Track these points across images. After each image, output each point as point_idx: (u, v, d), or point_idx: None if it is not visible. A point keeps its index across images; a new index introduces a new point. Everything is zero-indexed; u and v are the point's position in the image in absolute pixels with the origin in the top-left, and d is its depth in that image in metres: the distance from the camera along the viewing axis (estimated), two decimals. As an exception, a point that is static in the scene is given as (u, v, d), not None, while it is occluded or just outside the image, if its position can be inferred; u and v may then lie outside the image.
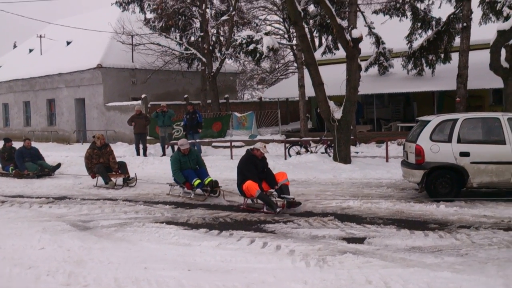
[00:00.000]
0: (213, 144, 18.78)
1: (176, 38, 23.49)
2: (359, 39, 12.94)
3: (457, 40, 16.16)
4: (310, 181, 11.64)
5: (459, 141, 8.57)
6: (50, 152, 18.35)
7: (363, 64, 18.11)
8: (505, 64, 12.61)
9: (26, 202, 9.81)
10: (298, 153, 15.49)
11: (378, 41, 18.09)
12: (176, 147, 13.42)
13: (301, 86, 18.48)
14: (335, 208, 8.43)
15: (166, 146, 17.32)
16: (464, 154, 8.46)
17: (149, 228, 7.35)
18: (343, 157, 13.38)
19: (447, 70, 16.88)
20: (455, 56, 16.19)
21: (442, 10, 16.64)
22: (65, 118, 26.44)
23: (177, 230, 7.20)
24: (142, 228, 7.35)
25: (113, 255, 5.98)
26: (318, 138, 15.82)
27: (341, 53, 15.67)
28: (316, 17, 17.72)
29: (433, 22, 16.99)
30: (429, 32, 17.02)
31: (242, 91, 46.08)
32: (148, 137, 18.18)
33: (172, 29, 22.85)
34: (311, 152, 15.42)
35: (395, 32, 17.80)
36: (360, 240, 6.40)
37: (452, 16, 16.13)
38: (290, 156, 15.42)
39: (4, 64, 33.18)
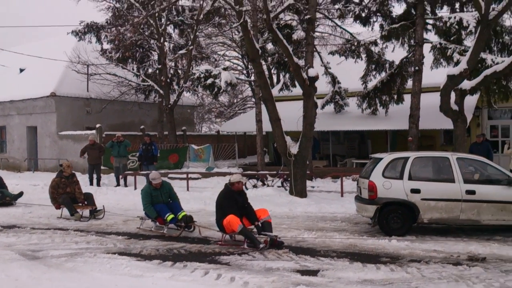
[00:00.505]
0: (170, 175, 18.54)
1: (133, 69, 23.43)
2: (315, 78, 13.32)
3: (410, 83, 16.83)
4: (266, 215, 11.64)
5: (410, 178, 8.85)
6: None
7: (320, 102, 18.62)
8: (454, 107, 13.21)
9: (-30, 231, 9.32)
10: (254, 186, 15.53)
11: (334, 80, 18.68)
12: (129, 178, 13.22)
13: (259, 121, 18.71)
14: (290, 240, 8.46)
15: (120, 176, 16.99)
16: (415, 191, 8.73)
17: (101, 258, 7.13)
18: (299, 191, 13.52)
19: (400, 110, 17.52)
20: (407, 98, 16.85)
21: (396, 54, 17.39)
22: (16, 145, 25.51)
23: (130, 261, 7.02)
24: (94, 259, 7.12)
25: (63, 286, 5.78)
26: (275, 172, 15.94)
27: (298, 90, 16.04)
28: (274, 55, 18.13)
29: (387, 65, 17.69)
30: (383, 74, 17.69)
31: (200, 124, 46.10)
32: (102, 167, 17.76)
33: (130, 60, 22.84)
34: (268, 185, 15.50)
35: (351, 72, 18.44)
36: (314, 273, 6.45)
37: (405, 59, 16.88)
38: (247, 189, 15.38)
39: (-48, 88, 31.83)
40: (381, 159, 9.26)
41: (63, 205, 11.02)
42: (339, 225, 10.10)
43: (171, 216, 9.25)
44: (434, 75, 15.92)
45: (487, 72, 12.69)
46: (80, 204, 11.18)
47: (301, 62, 14.78)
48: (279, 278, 6.14)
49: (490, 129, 20.07)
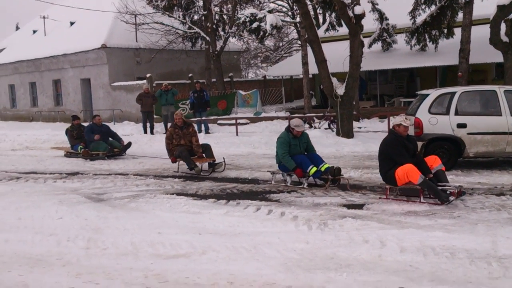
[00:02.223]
0: (219, 121, 19.12)
1: (179, 17, 23.60)
2: (362, 16, 13.12)
3: (460, 15, 16.24)
4: (313, 155, 11.99)
5: (456, 113, 8.88)
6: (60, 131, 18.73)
7: (367, 41, 18.31)
8: (504, 39, 12.78)
9: (40, 178, 10.20)
10: (302, 129, 15.77)
11: (381, 17, 18.20)
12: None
13: (305, 63, 18.69)
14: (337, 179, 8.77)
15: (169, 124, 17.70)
16: (461, 126, 8.77)
17: (161, 199, 7.74)
18: (346, 132, 13.70)
19: (450, 45, 17.00)
20: (457, 31, 16.28)
21: (446, -16, 16.69)
22: (71, 98, 26.79)
23: (187, 200, 7.59)
24: (154, 199, 7.74)
25: (128, 223, 6.38)
26: (322, 114, 16.11)
27: (344, 30, 15.84)
28: (321, -7, 17.78)
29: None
30: (433, 8, 17.04)
31: (247, 70, 46.20)
32: (155, 116, 18.51)
33: (175, 8, 22.95)
34: (315, 127, 15.74)
35: (399, 7, 17.90)
36: (360, 206, 6.79)
37: (455, -10, 16.18)
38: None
39: (8, 45, 33.45)
40: (427, 95, 9.27)
41: (179, 159, 10.09)
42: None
43: (314, 168, 8.17)
44: (486, 6, 15.22)
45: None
46: (197, 157, 10.20)
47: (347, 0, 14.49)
48: (326, 212, 6.52)
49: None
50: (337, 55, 15.66)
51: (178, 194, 8.10)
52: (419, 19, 17.32)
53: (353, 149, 12.41)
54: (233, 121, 17.32)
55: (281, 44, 38.42)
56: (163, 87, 17.92)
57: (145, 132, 17.65)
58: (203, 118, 17.22)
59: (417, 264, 4.50)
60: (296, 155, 8.41)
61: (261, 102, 21.59)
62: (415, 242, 5.04)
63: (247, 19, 15.46)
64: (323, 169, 8.16)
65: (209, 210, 6.90)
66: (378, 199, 7.13)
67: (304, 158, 8.36)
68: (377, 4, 17.68)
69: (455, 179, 8.16)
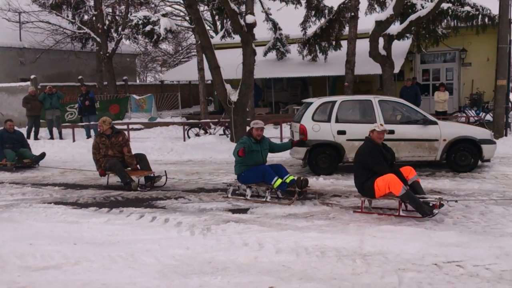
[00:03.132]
0: (111, 126, 18.40)
1: (68, 16, 22.49)
2: (253, 25, 13.43)
3: (347, 29, 17.27)
4: (206, 161, 12.05)
5: (337, 121, 9.44)
6: None
7: (262, 49, 18.81)
8: (383, 52, 13.80)
9: None
10: (197, 134, 15.77)
11: (275, 27, 18.79)
12: (66, 131, 11.81)
13: (201, 69, 18.70)
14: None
15: (58, 129, 16.75)
16: (341, 132, 9.33)
17: (36, 208, 7.29)
18: (239, 138, 13.85)
19: (338, 57, 17.98)
20: (344, 44, 17.32)
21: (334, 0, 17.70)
22: None
23: (66, 209, 7.22)
24: (29, 209, 7.27)
25: (-2, 235, 5.92)
26: (217, 120, 16.22)
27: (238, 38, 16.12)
28: (215, 0, 17.95)
29: (326, 11, 17.97)
30: (322, 20, 17.99)
31: (145, 73, 45.15)
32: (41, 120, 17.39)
33: (64, 6, 21.88)
34: (210, 133, 15.79)
35: (291, 19, 18.58)
36: (244, 211, 6.93)
37: (342, 5, 17.14)
38: (189, 137, 15.67)
39: None
40: (311, 103, 9.74)
41: (111, 172, 8.82)
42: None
43: (279, 180, 7.33)
44: (370, 21, 16.36)
45: (412, 17, 13.26)
46: (130, 169, 8.99)
47: (241, 8, 14.79)
48: (211, 217, 6.57)
49: (422, 73, 21.03)
50: (233, 62, 15.87)
51: (57, 203, 7.67)
52: (310, 31, 18.15)
53: (245, 154, 12.62)
54: (125, 126, 16.80)
55: (180, 49, 38.12)
56: (47, 90, 16.91)
57: (28, 137, 16.49)
58: (92, 122, 16.50)
59: (289, 264, 4.69)
60: (258, 166, 7.55)
61: (156, 107, 21.18)
62: (290, 243, 5.24)
63: (140, 22, 15.11)
64: (288, 180, 7.37)
65: (89, 219, 6.62)
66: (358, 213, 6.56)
67: (267, 168, 7.48)
68: (271, 14, 18.24)
69: (336, 182, 8.65)
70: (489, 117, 15.48)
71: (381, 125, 6.89)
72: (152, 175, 8.97)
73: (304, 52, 18.86)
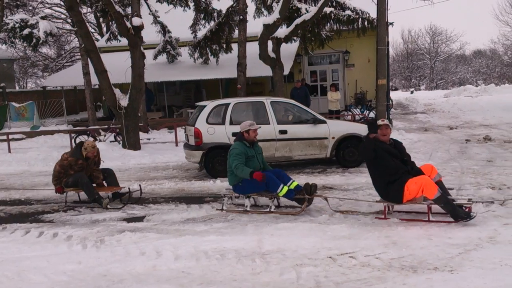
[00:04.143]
0: (-13, 138, 16.86)
1: None
2: (140, 27, 13.08)
3: (237, 32, 17.49)
4: (97, 170, 11.45)
5: (231, 123, 9.47)
6: None
7: (152, 52, 18.40)
8: (272, 55, 14.19)
9: None
10: (85, 142, 14.95)
11: (164, 29, 18.50)
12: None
13: (86, 73, 17.84)
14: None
15: None
16: (236, 134, 9.34)
17: None
18: (133, 144, 13.46)
19: (230, 60, 18.18)
20: (235, 47, 17.51)
21: (223, 3, 17.82)
22: None
23: None
24: None
25: None
26: (107, 127, 15.54)
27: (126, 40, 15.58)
28: (98, 2, 17.18)
29: (215, 14, 18.06)
30: (212, 23, 18.05)
31: (25, 79, 41.95)
32: None
33: None
34: (100, 141, 15.07)
35: (181, 21, 18.45)
36: (140, 219, 6.69)
37: (230, 8, 17.34)
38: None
39: None
40: (205, 106, 9.68)
41: (73, 188, 7.66)
42: (171, 173, 10.43)
43: (286, 188, 6.55)
44: (259, 24, 16.73)
45: (298, 21, 13.81)
46: (95, 185, 7.83)
47: (128, 10, 14.30)
48: (104, 228, 6.24)
49: (310, 75, 22.04)
50: (121, 65, 15.31)
51: None
52: (200, 34, 18.12)
53: (139, 161, 12.25)
54: (5, 137, 15.46)
55: (62, 53, 35.96)
56: None
57: None
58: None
59: (189, 270, 4.59)
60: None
61: (38, 115, 19.77)
62: (189, 248, 5.14)
63: (17, 25, 14.00)
64: (292, 187, 6.64)
65: (-35, 239, 5.95)
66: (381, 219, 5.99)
67: (270, 175, 6.61)
68: (159, 17, 17.91)
69: (232, 184, 8.66)
70: (372, 114, 16.59)
71: (383, 120, 6.27)
72: (120, 191, 7.84)
73: (196, 55, 18.83)
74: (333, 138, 9.71)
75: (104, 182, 7.95)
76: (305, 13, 14.46)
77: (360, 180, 8.54)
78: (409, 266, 4.42)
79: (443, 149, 11.40)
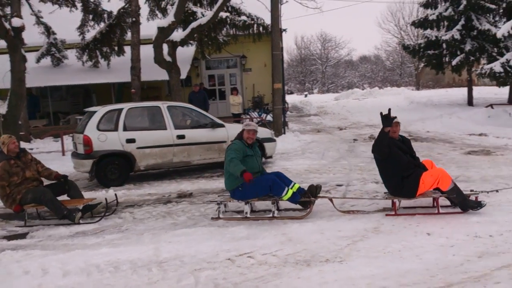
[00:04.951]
0: None
1: None
2: (21, 29, 12.05)
3: (130, 34, 16.90)
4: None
5: (125, 129, 9.05)
6: None
7: (34, 55, 17.16)
8: (168, 58, 13.90)
9: None
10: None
11: (48, 31, 17.38)
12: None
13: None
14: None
15: None
16: (130, 141, 8.99)
17: None
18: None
19: (123, 63, 17.44)
20: (128, 49, 16.91)
21: (114, 4, 17.13)
22: None
23: None
24: None
25: None
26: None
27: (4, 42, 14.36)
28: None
29: (105, 15, 17.31)
30: (102, 25, 17.28)
31: None
32: None
33: None
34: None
35: (68, 22, 17.37)
36: (22, 236, 6.15)
37: (122, 10, 16.73)
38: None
39: None
40: (95, 112, 9.17)
41: (35, 205, 6.66)
42: (59, 184, 9.72)
43: (290, 191, 6.13)
44: (154, 27, 16.31)
45: (193, 25, 13.71)
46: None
47: (6, 10, 13.19)
48: (-20, 248, 5.62)
49: (208, 79, 21.99)
50: (-1, 69, 14.07)
51: None
52: (89, 36, 17.27)
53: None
54: None
55: None
56: None
57: None
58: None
59: (79, 286, 4.28)
60: (262, 176, 6.35)
61: None
62: (79, 263, 4.79)
63: None
64: (295, 189, 6.22)
65: None
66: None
67: (274, 178, 6.21)
68: (42, 18, 16.77)
69: (127, 193, 8.29)
70: (269, 117, 16.95)
71: (395, 116, 6.11)
72: (92, 202, 6.95)
73: (84, 58, 17.91)
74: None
75: (67, 193, 6.99)
76: (201, 17, 14.40)
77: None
78: (303, 260, 4.57)
79: (334, 149, 11.98)
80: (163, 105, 9.56)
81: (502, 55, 18.04)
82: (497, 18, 21.16)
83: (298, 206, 6.36)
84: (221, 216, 6.30)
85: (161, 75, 16.89)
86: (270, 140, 10.24)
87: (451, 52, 20.36)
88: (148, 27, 16.48)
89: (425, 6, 22.50)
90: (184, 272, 4.44)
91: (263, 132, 10.24)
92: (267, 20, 15.71)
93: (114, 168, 8.92)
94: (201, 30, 14.52)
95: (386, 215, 5.95)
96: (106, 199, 6.89)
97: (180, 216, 6.58)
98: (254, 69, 21.48)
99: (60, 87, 20.19)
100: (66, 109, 21.04)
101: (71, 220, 6.47)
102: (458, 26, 20.07)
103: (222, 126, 9.77)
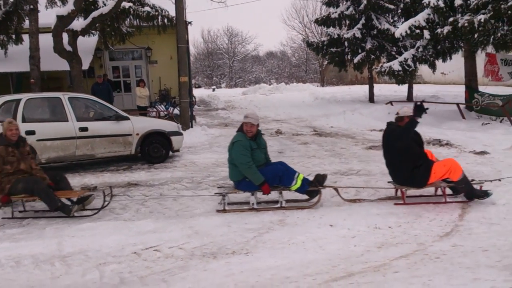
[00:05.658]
0: None
1: None
2: None
3: (28, 22, 15.98)
4: None
5: (24, 120, 8.70)
6: None
7: None
8: (68, 48, 13.39)
9: None
10: None
11: None
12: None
13: None
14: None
15: None
16: (30, 133, 8.65)
17: None
18: None
19: (21, 52, 16.46)
20: (27, 38, 15.98)
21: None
22: None
23: None
24: None
25: None
26: None
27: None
28: None
29: (1, 1, 16.19)
30: (-1, 12, 16.16)
31: None
32: None
33: None
34: None
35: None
36: None
37: (18, -3, 15.78)
38: None
39: None
40: (-10, 102, 8.70)
41: (26, 195, 6.15)
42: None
43: (300, 182, 6.13)
44: (54, 15, 15.58)
45: (95, 14, 13.32)
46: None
47: None
48: None
49: (112, 70, 21.38)
50: None
51: None
52: (-17, 22, 16.06)
53: None
54: None
55: None
56: None
57: None
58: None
59: (-23, 283, 4.16)
60: (272, 166, 6.25)
61: None
62: (-23, 260, 4.63)
63: None
64: (300, 180, 6.16)
65: None
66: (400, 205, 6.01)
67: (283, 168, 6.17)
68: None
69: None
70: (177, 111, 16.91)
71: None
72: (85, 195, 6.63)
73: (-22, 47, 16.62)
74: (137, 134, 9.67)
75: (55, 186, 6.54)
76: (102, 6, 13.98)
77: (165, 175, 8.72)
78: (210, 253, 4.71)
79: (241, 143, 12.27)
80: (64, 96, 9.28)
81: (400, 54, 18.89)
82: (396, 18, 22.13)
83: (300, 196, 6.44)
84: (226, 208, 6.22)
85: (62, 65, 16.17)
86: (177, 133, 10.33)
87: (352, 50, 21.15)
88: (48, 15, 15.73)
89: (328, 4, 23.13)
90: (88, 266, 4.46)
91: (170, 126, 10.32)
92: (172, 12, 15.62)
93: (13, 161, 8.52)
94: (103, 20, 14.14)
95: (395, 204, 6.13)
96: (105, 190, 6.57)
97: (85, 210, 6.51)
98: (160, 61, 21.25)
99: None
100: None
101: (65, 213, 6.22)
102: (359, 25, 20.97)
103: (127, 118, 9.69)
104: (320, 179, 6.28)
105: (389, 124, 6.36)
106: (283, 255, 4.54)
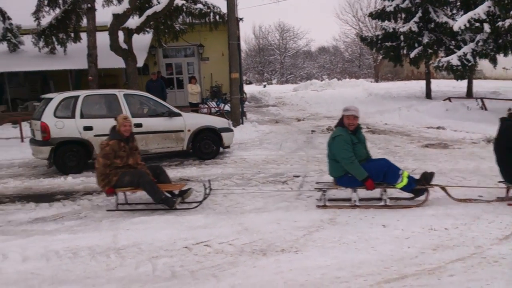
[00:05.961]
0: None
1: None
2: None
3: (85, 21, 16.61)
4: None
5: (82, 116, 9.09)
6: None
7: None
8: (124, 46, 13.80)
9: None
10: None
11: (3, 16, 16.87)
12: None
13: None
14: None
15: None
16: (88, 128, 9.03)
17: None
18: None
19: (79, 50, 17.18)
20: (84, 36, 16.63)
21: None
22: None
23: None
24: None
25: None
26: None
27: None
28: None
29: (61, 1, 16.94)
30: (57, 10, 16.91)
31: None
32: None
33: None
34: None
35: (22, 7, 16.94)
36: (-19, 222, 6.12)
37: (77, -4, 16.42)
38: None
39: None
40: (51, 99, 9.13)
41: (131, 188, 6.40)
42: (16, 171, 9.70)
43: (406, 180, 5.94)
44: (110, 14, 16.08)
45: (149, 12, 13.62)
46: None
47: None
48: None
49: (165, 67, 21.87)
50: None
51: None
52: (45, 21, 16.87)
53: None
54: None
55: None
56: None
57: None
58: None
59: (38, 271, 4.39)
60: (376, 162, 6.14)
61: None
62: (39, 249, 4.89)
63: None
64: (405, 178, 5.97)
65: None
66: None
67: (388, 163, 6.05)
68: (-4, 2, 16.24)
69: (85, 180, 8.36)
70: (227, 107, 17.08)
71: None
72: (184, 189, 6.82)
73: (40, 44, 17.48)
74: (189, 130, 9.86)
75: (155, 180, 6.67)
76: (156, 4, 14.31)
77: (216, 171, 8.83)
78: (259, 249, 4.72)
79: (291, 140, 12.28)
80: (119, 93, 9.59)
81: (459, 48, 18.18)
82: (454, 11, 21.43)
83: (404, 194, 6.20)
84: (327, 204, 6.11)
85: (118, 63, 16.72)
86: (228, 130, 10.43)
87: (408, 45, 20.56)
88: (105, 14, 16.27)
89: (382, -3, 22.52)
90: (142, 259, 4.59)
91: (220, 122, 10.44)
92: (224, 9, 15.75)
93: (72, 155, 8.95)
94: (157, 18, 14.46)
95: (508, 204, 5.83)
96: (206, 184, 6.70)
97: (138, 204, 6.71)
98: (212, 58, 21.50)
99: (17, 73, 19.67)
100: (24, 96, 20.59)
101: (169, 205, 6.34)
102: (416, 18, 20.35)
103: (179, 115, 9.88)
104: (427, 177, 6.00)
105: (503, 119, 6.01)
106: (334, 255, 4.49)
